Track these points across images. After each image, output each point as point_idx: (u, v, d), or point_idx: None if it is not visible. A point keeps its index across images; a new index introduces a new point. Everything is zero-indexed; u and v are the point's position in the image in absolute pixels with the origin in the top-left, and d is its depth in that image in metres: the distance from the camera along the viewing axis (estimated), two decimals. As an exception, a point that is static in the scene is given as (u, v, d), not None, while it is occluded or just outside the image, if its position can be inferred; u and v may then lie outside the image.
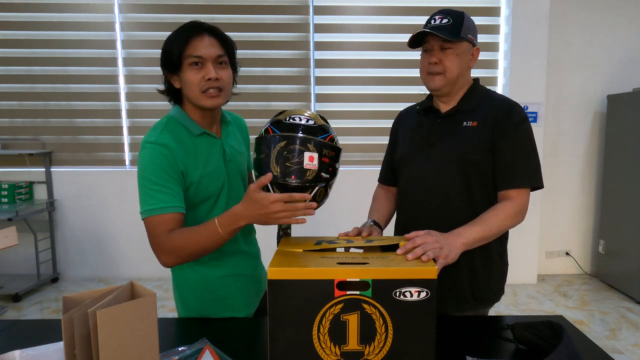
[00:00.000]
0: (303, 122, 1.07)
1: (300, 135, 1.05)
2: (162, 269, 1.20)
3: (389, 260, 0.88)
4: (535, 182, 1.25)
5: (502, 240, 1.33)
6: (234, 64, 1.23)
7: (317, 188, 1.06)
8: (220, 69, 1.16)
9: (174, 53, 1.12)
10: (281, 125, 1.07)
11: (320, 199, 1.09)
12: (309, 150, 1.04)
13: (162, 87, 1.23)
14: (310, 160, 1.04)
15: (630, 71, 3.82)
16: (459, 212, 1.27)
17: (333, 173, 1.09)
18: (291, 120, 1.07)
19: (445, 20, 1.23)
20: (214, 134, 1.24)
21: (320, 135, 1.07)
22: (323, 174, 1.06)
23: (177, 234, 1.11)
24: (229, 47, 1.19)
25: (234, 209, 1.08)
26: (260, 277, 1.43)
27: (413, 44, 1.30)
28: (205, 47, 1.12)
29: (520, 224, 1.24)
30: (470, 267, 1.29)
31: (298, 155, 1.03)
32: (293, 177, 1.04)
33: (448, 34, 1.20)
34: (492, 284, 1.33)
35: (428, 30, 1.22)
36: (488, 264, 1.31)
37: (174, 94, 1.22)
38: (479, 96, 1.31)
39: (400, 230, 1.42)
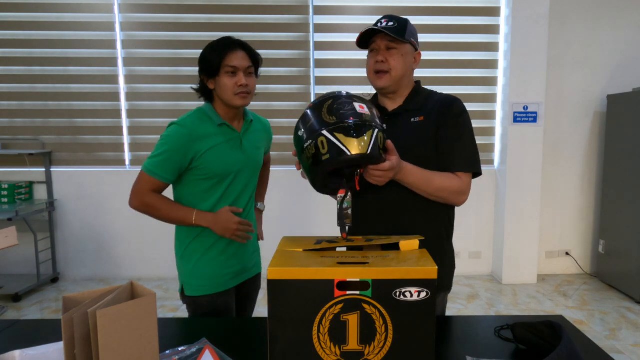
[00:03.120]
0: (343, 93, 1.12)
1: (344, 93, 1.10)
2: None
3: (389, 260, 0.88)
4: (474, 167, 1.33)
5: (450, 224, 1.40)
6: (257, 73, 1.48)
7: (377, 131, 1.06)
8: (249, 77, 1.42)
9: (214, 62, 1.37)
10: (320, 97, 1.12)
11: (382, 145, 1.08)
12: (356, 102, 1.08)
13: (196, 86, 1.50)
14: (361, 108, 1.07)
15: (630, 71, 3.82)
16: (406, 204, 1.30)
17: (383, 128, 1.12)
18: (330, 93, 1.13)
19: (391, 23, 1.31)
20: (233, 127, 1.47)
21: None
22: (378, 120, 1.09)
23: (157, 197, 1.40)
24: (255, 60, 1.45)
25: (208, 215, 1.40)
26: (243, 257, 1.54)
27: (361, 44, 1.38)
28: (239, 59, 1.39)
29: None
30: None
31: (348, 105, 1.06)
32: (352, 118, 1.04)
33: (395, 33, 1.28)
34: (443, 269, 1.36)
35: (377, 28, 1.29)
36: (438, 250, 1.33)
37: (206, 92, 1.47)
38: (423, 96, 1.39)
39: (357, 222, 1.43)
